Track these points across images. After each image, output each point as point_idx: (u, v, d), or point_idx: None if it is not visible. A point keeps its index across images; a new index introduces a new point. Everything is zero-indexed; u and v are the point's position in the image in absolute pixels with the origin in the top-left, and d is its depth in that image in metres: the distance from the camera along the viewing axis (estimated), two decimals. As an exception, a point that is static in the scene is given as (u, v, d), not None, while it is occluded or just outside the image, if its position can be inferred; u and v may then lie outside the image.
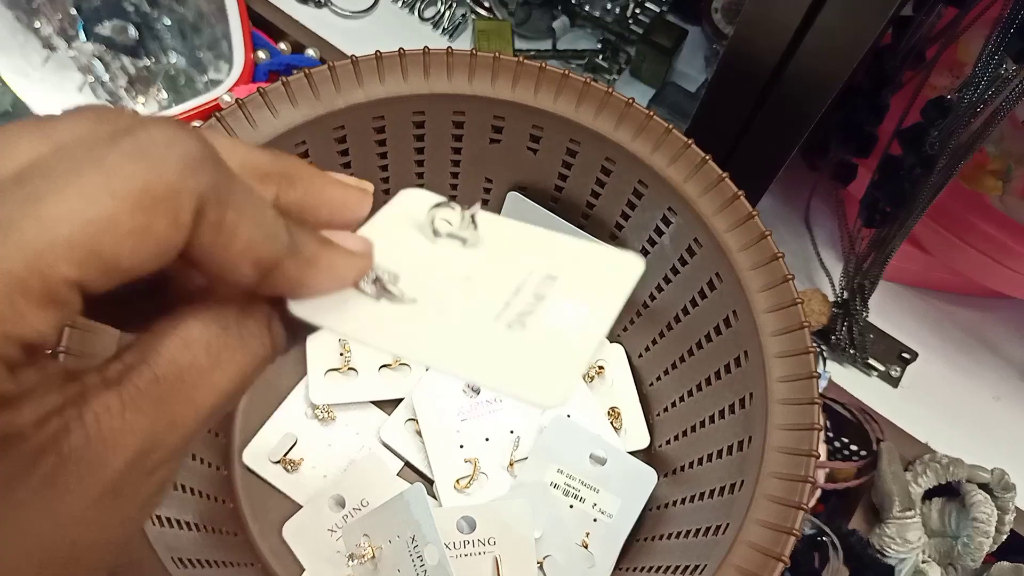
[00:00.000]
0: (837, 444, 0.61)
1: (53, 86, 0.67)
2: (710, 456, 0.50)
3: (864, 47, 0.45)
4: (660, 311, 0.56)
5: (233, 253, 0.20)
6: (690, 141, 0.48)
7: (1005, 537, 0.56)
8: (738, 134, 0.55)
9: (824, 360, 0.66)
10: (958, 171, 0.53)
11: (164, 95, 0.69)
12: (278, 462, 0.55)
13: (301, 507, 0.53)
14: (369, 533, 0.49)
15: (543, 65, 0.49)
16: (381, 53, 0.47)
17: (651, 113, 0.48)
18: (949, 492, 0.59)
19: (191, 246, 0.19)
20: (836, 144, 0.63)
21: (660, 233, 0.52)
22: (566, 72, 0.49)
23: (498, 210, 0.58)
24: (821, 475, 0.59)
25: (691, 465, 0.52)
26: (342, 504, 0.53)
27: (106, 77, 0.69)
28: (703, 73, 0.77)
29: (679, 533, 0.49)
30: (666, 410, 0.57)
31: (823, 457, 0.60)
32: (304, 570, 0.51)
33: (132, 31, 0.71)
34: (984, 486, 0.57)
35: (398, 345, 0.24)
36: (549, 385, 0.23)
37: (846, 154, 0.63)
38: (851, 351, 0.66)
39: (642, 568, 0.50)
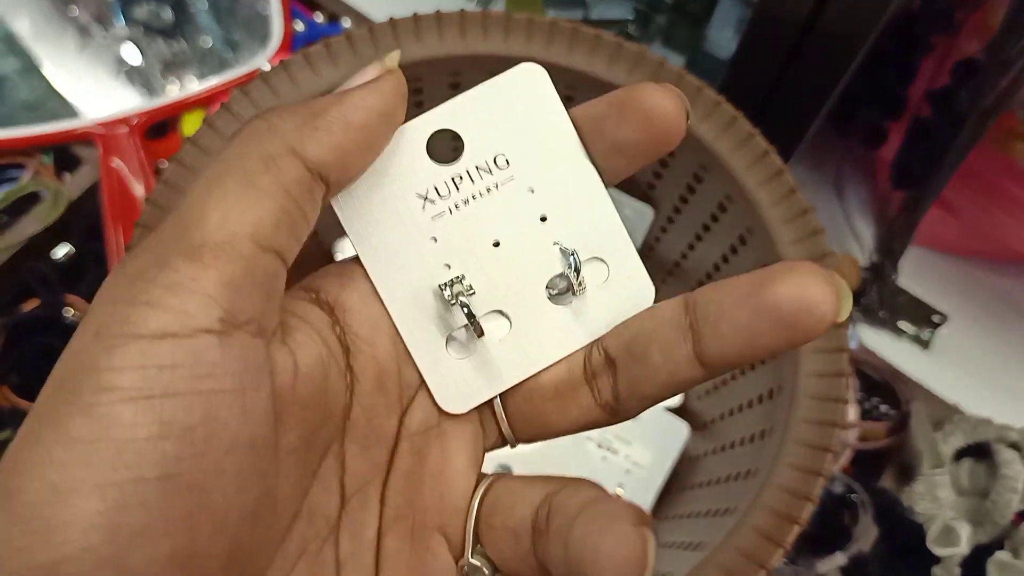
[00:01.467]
0: (868, 405, 0.62)
1: (88, 72, 0.69)
2: (740, 407, 0.51)
3: (891, 3, 0.46)
4: (691, 269, 0.57)
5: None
6: (721, 98, 0.49)
7: (1033, 495, 0.57)
8: (767, 94, 0.56)
9: (854, 323, 0.67)
10: (986, 132, 0.54)
11: (198, 78, 0.70)
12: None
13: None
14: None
15: (576, 26, 0.50)
16: (418, 15, 0.48)
17: (683, 71, 0.49)
18: (979, 454, 0.60)
19: None
20: (867, 107, 0.63)
21: (692, 191, 0.53)
22: (599, 32, 0.50)
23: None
24: (852, 435, 0.60)
25: (721, 417, 0.53)
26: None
27: (141, 62, 0.70)
28: (734, 42, 0.78)
29: (710, 481, 0.50)
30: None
31: (854, 417, 0.60)
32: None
33: (168, 13, 0.72)
34: (1013, 445, 0.58)
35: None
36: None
37: (876, 117, 0.63)
38: (881, 314, 0.67)
39: (674, 516, 0.51)
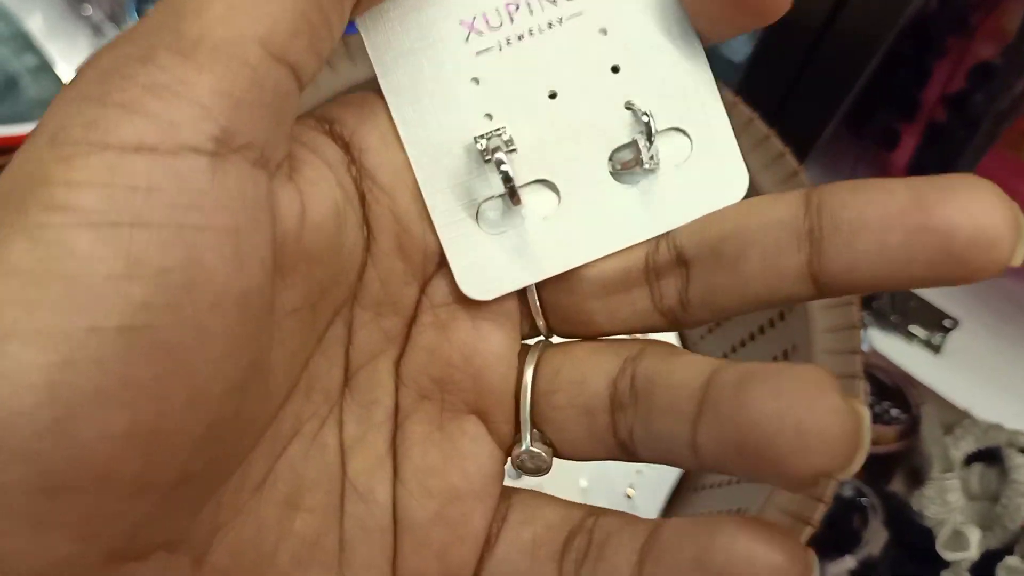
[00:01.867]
0: (878, 409, 0.62)
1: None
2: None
3: (908, 5, 0.46)
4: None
5: None
6: (737, 99, 0.49)
7: (1045, 500, 0.57)
8: (784, 95, 0.56)
9: (866, 327, 0.67)
10: (1000, 136, 0.54)
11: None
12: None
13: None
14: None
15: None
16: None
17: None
18: (989, 458, 0.60)
19: None
20: (881, 110, 0.63)
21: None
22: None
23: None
24: (861, 438, 0.60)
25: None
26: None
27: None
28: (748, 45, 0.78)
29: (721, 483, 0.50)
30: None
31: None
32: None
33: (182, 8, 0.72)
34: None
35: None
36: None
37: (890, 120, 0.63)
38: (892, 318, 0.66)
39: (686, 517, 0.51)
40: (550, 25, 0.20)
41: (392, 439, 0.22)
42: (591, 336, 0.23)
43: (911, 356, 0.67)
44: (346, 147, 0.21)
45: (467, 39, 0.21)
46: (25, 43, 0.67)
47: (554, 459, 0.22)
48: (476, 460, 0.22)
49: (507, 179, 0.20)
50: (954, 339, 0.67)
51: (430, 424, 0.22)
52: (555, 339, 0.23)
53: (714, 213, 0.21)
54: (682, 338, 0.60)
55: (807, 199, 0.19)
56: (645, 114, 0.20)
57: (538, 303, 0.22)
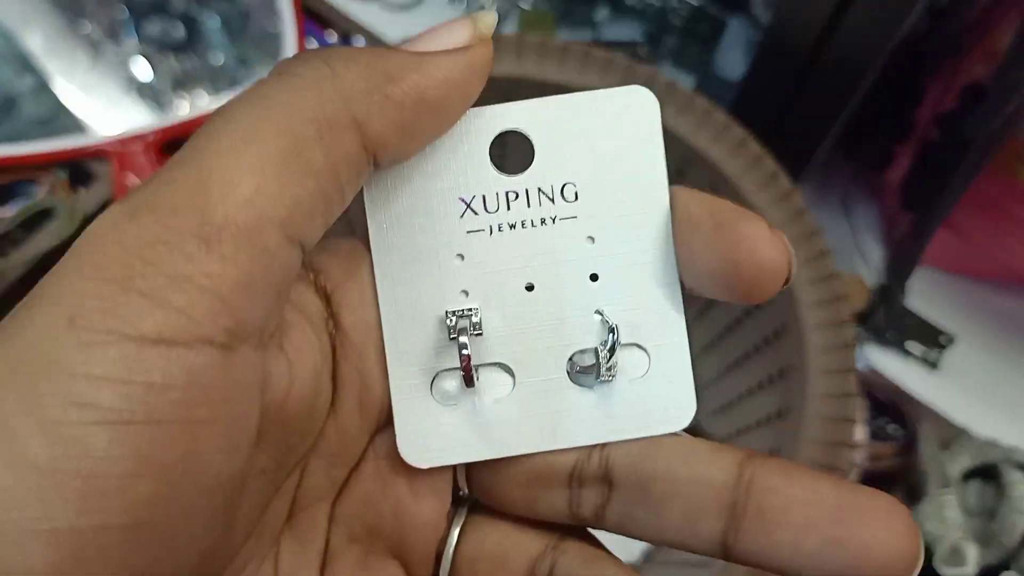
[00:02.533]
0: (875, 426, 0.62)
1: (99, 87, 0.69)
2: (748, 427, 0.51)
3: (901, 29, 0.46)
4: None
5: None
6: (731, 120, 0.49)
7: (1042, 516, 0.57)
8: (777, 116, 0.57)
9: (862, 344, 0.67)
10: (994, 156, 0.54)
11: (208, 94, 0.71)
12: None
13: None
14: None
15: (589, 48, 0.50)
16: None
17: (694, 94, 0.50)
18: (986, 474, 0.60)
19: None
20: (874, 129, 0.64)
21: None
22: (611, 55, 0.50)
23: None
24: (860, 456, 0.60)
25: (729, 437, 0.53)
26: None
27: (152, 77, 0.71)
28: (743, 64, 0.78)
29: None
30: (705, 386, 0.58)
31: (861, 438, 0.60)
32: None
33: (180, 30, 0.73)
34: (1022, 467, 0.58)
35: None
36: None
37: (884, 139, 0.64)
38: (889, 335, 0.67)
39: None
40: (543, 221, 0.21)
41: (321, 574, 0.22)
42: (509, 513, 0.23)
43: (908, 373, 0.67)
44: (327, 300, 0.22)
45: (462, 215, 0.21)
46: (25, 63, 0.68)
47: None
48: None
49: (465, 362, 0.21)
50: (951, 356, 0.68)
51: (356, 564, 0.22)
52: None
53: (653, 443, 0.21)
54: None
55: (740, 469, 0.19)
56: (612, 328, 0.21)
57: (466, 476, 0.23)
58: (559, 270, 0.22)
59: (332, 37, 0.74)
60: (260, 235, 0.16)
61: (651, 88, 0.21)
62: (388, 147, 0.19)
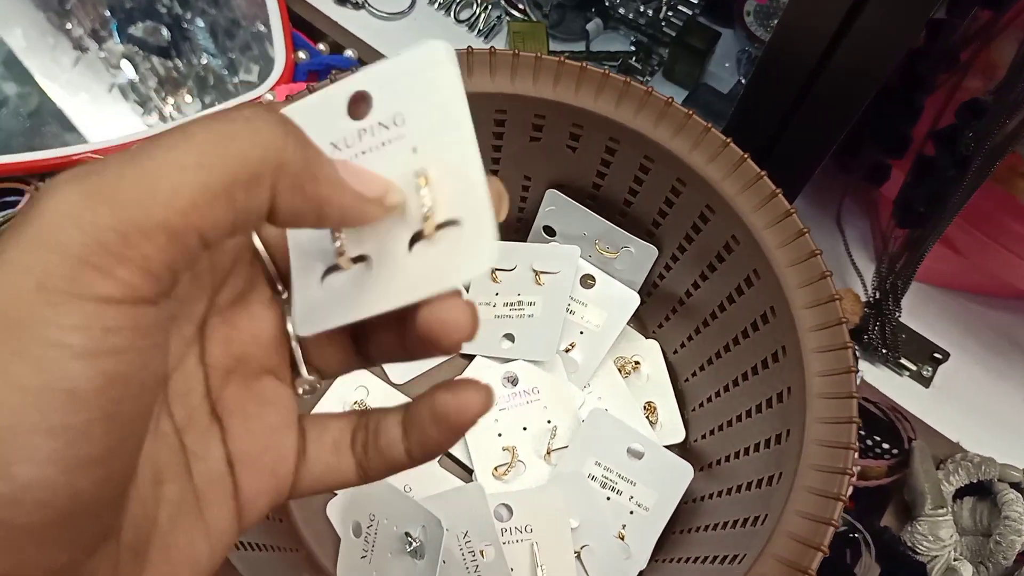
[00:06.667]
0: (869, 442, 0.62)
1: (82, 87, 0.69)
2: (747, 450, 0.50)
3: (903, 48, 0.46)
4: (697, 307, 0.57)
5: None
6: (728, 140, 0.49)
7: (1037, 535, 0.57)
8: (774, 134, 0.56)
9: (856, 359, 0.67)
10: (992, 172, 0.54)
11: (193, 97, 0.70)
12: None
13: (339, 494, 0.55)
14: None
15: (584, 65, 0.50)
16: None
17: (690, 112, 0.49)
18: (981, 491, 0.60)
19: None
20: (870, 145, 0.63)
21: (697, 230, 0.53)
22: (606, 72, 0.50)
23: (537, 207, 0.59)
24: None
25: (727, 459, 0.53)
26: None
27: (136, 78, 0.70)
28: (735, 75, 0.78)
29: (715, 525, 0.49)
30: (702, 405, 0.58)
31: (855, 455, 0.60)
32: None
33: (165, 32, 0.72)
34: (1016, 485, 0.58)
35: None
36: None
37: (880, 155, 0.63)
38: (883, 351, 0.66)
39: (678, 559, 0.51)
40: (383, 144, 0.28)
41: (212, 411, 0.28)
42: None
43: (901, 388, 0.67)
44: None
45: (332, 153, 0.28)
46: (10, 70, 0.67)
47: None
48: (280, 402, 0.30)
49: (339, 252, 0.28)
50: (944, 372, 0.67)
51: (239, 388, 0.29)
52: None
53: None
54: (673, 378, 0.60)
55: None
56: (424, 176, 0.27)
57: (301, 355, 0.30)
58: (395, 175, 0.27)
59: (322, 47, 0.73)
60: (185, 238, 0.21)
61: (647, 106, 0.21)
62: (280, 214, 0.24)
